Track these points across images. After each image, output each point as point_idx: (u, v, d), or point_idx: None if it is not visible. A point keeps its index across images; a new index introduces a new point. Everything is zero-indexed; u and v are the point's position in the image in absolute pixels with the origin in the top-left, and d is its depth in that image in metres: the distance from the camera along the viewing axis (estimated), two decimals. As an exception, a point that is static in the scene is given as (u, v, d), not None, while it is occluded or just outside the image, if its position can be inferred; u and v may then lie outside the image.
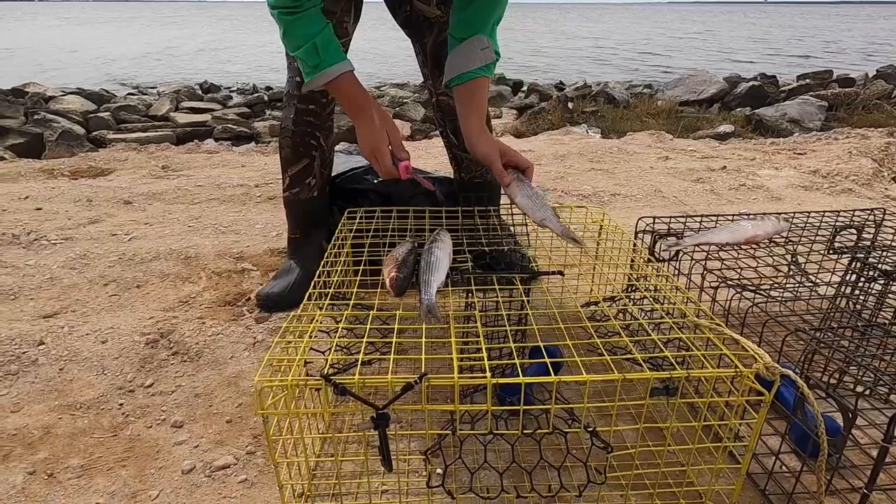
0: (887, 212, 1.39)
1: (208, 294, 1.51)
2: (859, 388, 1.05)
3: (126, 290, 1.53)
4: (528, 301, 1.00)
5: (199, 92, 7.28)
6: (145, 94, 7.11)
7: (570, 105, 5.94)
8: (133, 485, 0.92)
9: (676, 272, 1.19)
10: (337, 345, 0.84)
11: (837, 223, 1.33)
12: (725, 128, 4.76)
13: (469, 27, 1.21)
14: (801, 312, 1.18)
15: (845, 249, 1.25)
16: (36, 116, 4.69)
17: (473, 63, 1.20)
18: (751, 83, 6.37)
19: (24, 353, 1.23)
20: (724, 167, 2.82)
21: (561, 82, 8.15)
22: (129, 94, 7.17)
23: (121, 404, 1.10)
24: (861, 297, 1.22)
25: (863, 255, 1.21)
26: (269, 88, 7.73)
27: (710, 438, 0.89)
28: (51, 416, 1.06)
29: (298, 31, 1.13)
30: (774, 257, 1.22)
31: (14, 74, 8.65)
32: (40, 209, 2.10)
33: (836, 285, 1.24)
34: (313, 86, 1.16)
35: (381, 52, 13.24)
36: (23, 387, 1.14)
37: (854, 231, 1.32)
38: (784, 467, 0.91)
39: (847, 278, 1.23)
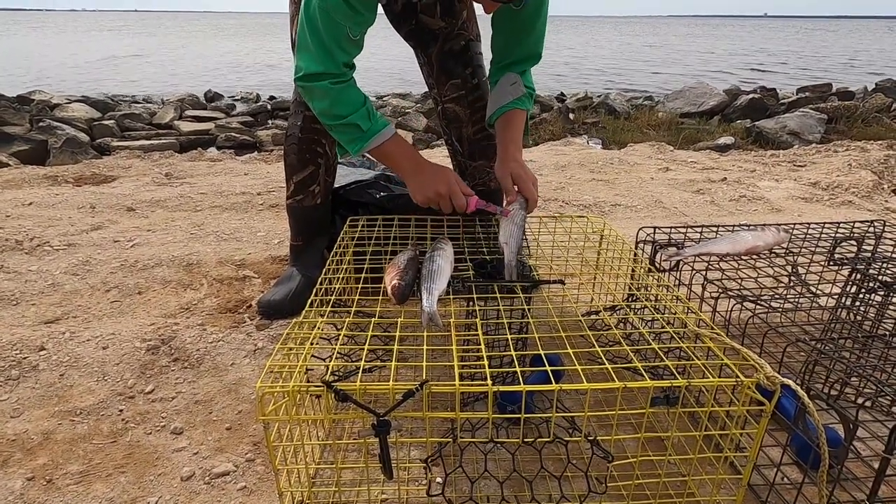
0: (887, 224, 1.40)
1: (210, 301, 1.51)
2: (860, 400, 1.05)
3: (127, 297, 1.53)
4: (529, 310, 1.00)
5: (203, 101, 7.33)
6: (150, 103, 7.16)
7: (570, 116, 5.98)
8: (132, 491, 0.92)
9: (677, 282, 1.20)
10: (338, 352, 0.84)
11: (838, 235, 1.34)
12: (726, 139, 4.78)
13: (502, 73, 1.32)
14: (801, 323, 1.19)
15: (846, 261, 1.25)
16: (41, 123, 4.73)
17: (506, 98, 1.31)
18: (751, 96, 6.41)
19: (24, 358, 1.23)
20: (725, 178, 2.83)
21: (562, 93, 8.19)
22: (133, 101, 7.22)
23: (121, 410, 1.10)
24: (862, 309, 1.22)
25: (863, 267, 1.21)
26: (272, 98, 7.78)
27: (711, 449, 0.89)
28: (51, 421, 1.06)
29: (349, 99, 1.15)
30: (775, 268, 1.22)
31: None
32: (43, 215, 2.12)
33: (836, 296, 1.24)
34: (367, 149, 1.19)
35: (381, 62, 13.33)
36: (23, 392, 1.14)
37: (854, 243, 1.32)
38: (785, 479, 0.90)
39: (847, 289, 1.23)
